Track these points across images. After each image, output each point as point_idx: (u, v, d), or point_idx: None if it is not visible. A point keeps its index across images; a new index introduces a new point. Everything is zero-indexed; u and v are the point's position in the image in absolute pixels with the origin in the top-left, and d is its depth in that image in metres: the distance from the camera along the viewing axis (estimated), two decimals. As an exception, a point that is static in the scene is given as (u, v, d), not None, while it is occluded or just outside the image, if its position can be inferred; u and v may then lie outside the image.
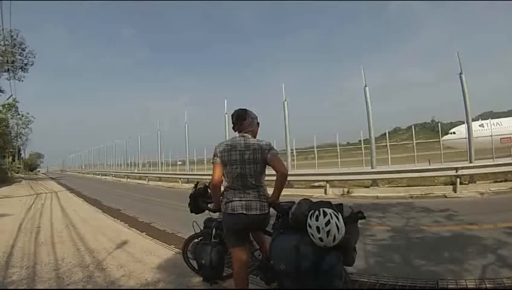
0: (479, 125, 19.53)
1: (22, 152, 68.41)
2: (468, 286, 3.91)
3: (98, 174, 46.64)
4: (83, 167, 65.25)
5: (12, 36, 38.92)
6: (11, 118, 43.92)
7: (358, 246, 5.34)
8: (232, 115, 3.50)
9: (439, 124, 19.74)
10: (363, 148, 18.09)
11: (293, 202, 3.09)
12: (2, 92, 40.75)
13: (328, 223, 2.55)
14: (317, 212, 2.64)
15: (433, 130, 29.96)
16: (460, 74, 13.79)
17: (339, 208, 2.75)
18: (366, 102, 15.75)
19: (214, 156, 3.36)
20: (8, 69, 39.37)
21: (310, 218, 2.66)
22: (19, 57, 41.38)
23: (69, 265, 5.21)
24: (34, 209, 12.27)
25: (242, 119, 3.44)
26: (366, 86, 15.79)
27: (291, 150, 18.96)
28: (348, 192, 13.18)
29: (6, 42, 37.89)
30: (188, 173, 25.39)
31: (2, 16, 34.65)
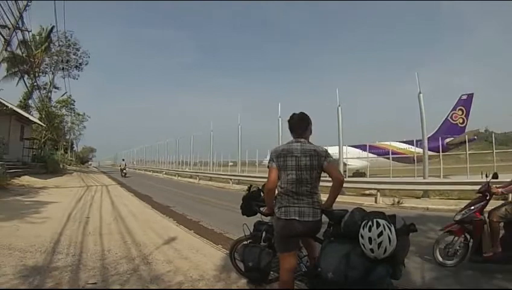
0: None
1: (74, 146, 72.57)
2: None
3: (150, 171, 48.55)
4: (135, 163, 68.02)
5: (66, 37, 42.78)
6: (67, 114, 47.69)
7: (415, 260, 5.12)
8: (293, 119, 3.52)
9: (492, 134, 18.80)
10: (415, 158, 17.55)
11: (346, 211, 3.10)
12: (57, 89, 45.41)
13: (380, 234, 2.55)
14: (370, 222, 2.64)
15: (486, 140, 28.66)
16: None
17: (392, 219, 2.73)
18: (420, 109, 15.52)
19: (270, 160, 3.41)
20: (63, 68, 43.59)
21: (363, 228, 2.67)
22: (74, 57, 45.63)
23: (115, 256, 5.44)
24: (84, 200, 12.97)
25: (307, 124, 3.48)
26: (420, 92, 15.53)
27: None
28: (398, 202, 12.90)
29: (61, 42, 42.03)
30: (239, 174, 25.94)
31: (56, 17, 37.57)
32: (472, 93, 24.86)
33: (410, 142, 23.89)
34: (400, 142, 25.73)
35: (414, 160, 18.50)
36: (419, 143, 23.07)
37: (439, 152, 19.21)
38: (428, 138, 23.08)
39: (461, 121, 25.43)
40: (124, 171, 35.80)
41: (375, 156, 25.28)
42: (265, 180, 3.45)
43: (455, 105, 26.11)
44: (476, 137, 21.72)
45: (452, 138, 23.83)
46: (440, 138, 22.12)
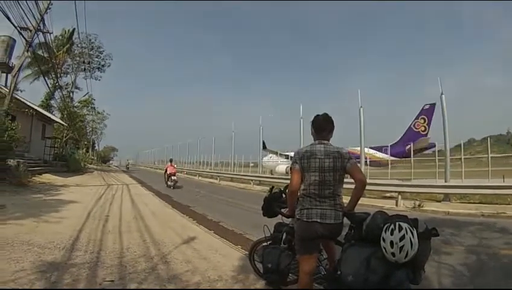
0: (270, 157, 29.61)
1: (96, 145, 73.86)
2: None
3: (170, 171, 49.06)
4: (156, 162, 68.98)
5: (90, 40, 44.73)
6: (88, 114, 49.38)
7: (433, 265, 5.02)
8: (317, 120, 3.52)
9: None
10: (437, 160, 17.50)
11: (368, 213, 3.09)
12: (79, 89, 47.38)
13: (402, 238, 2.55)
14: (392, 226, 2.65)
15: (508, 142, 28.60)
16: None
17: (414, 223, 2.72)
18: (443, 111, 15.39)
19: (293, 162, 3.41)
20: (85, 69, 45.30)
21: (385, 231, 2.67)
22: (96, 59, 47.62)
23: (134, 255, 5.51)
24: (104, 198, 13.21)
25: (331, 126, 3.49)
26: (442, 93, 15.39)
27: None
28: (419, 205, 12.81)
29: (84, 45, 43.43)
30: (261, 175, 26.21)
31: (77, 21, 38.84)
32: (434, 103, 25.40)
33: (377, 148, 27.04)
34: (369, 148, 26.46)
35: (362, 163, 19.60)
36: (383, 149, 26.58)
37: (402, 157, 22.92)
38: (392, 145, 26.39)
39: (423, 129, 27.59)
40: (128, 166, 60.15)
41: None
42: (286, 181, 3.44)
43: (418, 114, 28.10)
44: (434, 143, 22.27)
45: (409, 145, 25.14)
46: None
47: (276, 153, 31.57)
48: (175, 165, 22.81)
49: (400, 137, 29.23)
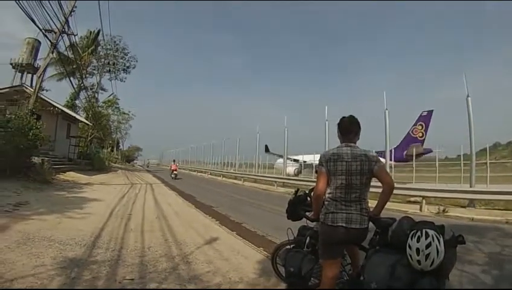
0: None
1: (120, 144, 75.12)
2: None
3: (194, 171, 49.64)
4: (180, 162, 69.92)
5: (115, 42, 46.58)
6: (112, 114, 50.71)
7: (455, 273, 4.86)
8: (344, 122, 3.45)
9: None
10: (462, 165, 17.23)
11: (394, 219, 3.05)
12: (104, 90, 48.68)
13: (429, 245, 2.50)
14: (419, 233, 2.60)
15: None
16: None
17: (441, 229, 2.64)
18: (469, 114, 15.05)
19: (320, 164, 3.36)
20: (110, 70, 46.87)
21: (411, 238, 2.63)
22: (121, 60, 49.16)
23: (155, 254, 5.52)
24: (127, 197, 13.36)
25: (358, 128, 3.43)
26: (468, 95, 15.11)
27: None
28: (443, 211, 12.59)
29: (109, 46, 45.52)
30: (285, 177, 26.11)
31: (101, 23, 40.02)
32: (432, 110, 27.12)
33: (377, 153, 27.33)
34: None
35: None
36: (383, 154, 26.16)
37: (399, 162, 24.11)
38: (391, 150, 25.74)
39: (420, 135, 28.41)
40: (148, 165, 74.89)
41: None
42: (311, 184, 3.36)
43: (416, 121, 28.88)
44: (430, 149, 23.28)
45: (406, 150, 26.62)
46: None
47: (279, 156, 32.33)
48: (177, 164, 33.77)
49: (399, 142, 29.84)
